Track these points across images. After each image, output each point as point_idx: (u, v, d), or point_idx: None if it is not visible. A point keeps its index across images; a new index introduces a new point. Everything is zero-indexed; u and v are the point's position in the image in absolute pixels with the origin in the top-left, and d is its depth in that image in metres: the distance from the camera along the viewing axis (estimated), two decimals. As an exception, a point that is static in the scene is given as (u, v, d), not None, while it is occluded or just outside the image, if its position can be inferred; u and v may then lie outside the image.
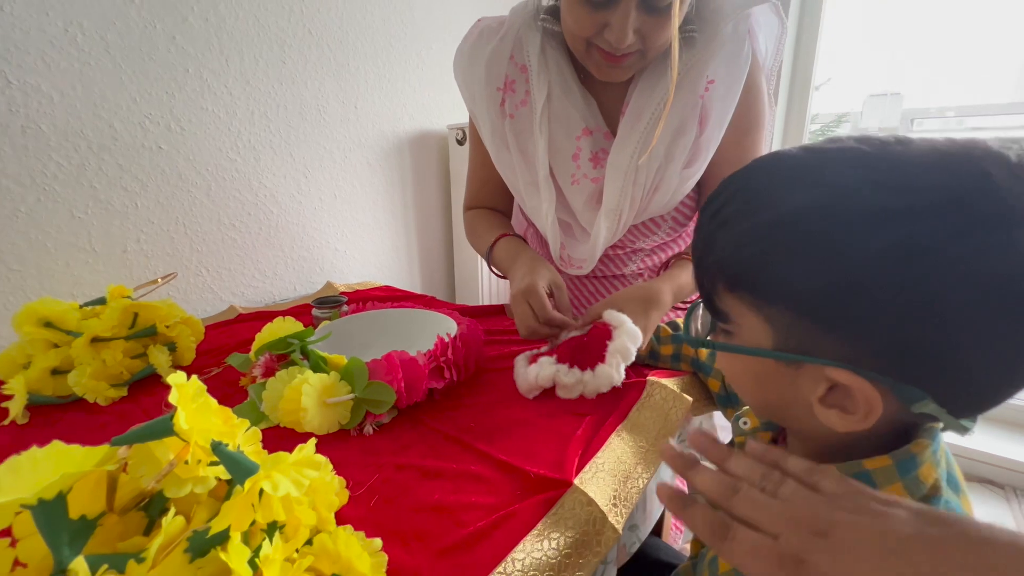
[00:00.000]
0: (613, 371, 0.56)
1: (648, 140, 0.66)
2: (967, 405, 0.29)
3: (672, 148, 0.66)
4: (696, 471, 0.31)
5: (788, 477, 0.29)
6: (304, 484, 0.29)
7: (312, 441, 0.32)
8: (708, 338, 0.39)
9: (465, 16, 1.41)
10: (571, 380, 0.57)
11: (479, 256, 1.41)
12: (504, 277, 0.77)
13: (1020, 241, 0.26)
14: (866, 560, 0.24)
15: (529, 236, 0.90)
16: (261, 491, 0.29)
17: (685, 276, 0.69)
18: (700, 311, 0.40)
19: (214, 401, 0.33)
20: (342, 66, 1.16)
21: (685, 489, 0.33)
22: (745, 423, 0.47)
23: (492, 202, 0.87)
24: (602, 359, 0.57)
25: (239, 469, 0.29)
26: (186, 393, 0.30)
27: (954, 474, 0.35)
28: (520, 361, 0.63)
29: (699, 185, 0.74)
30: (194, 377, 0.32)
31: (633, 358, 0.57)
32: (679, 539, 0.92)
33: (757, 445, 0.32)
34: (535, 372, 0.59)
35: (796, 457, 0.30)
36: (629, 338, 0.57)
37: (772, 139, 0.77)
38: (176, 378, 0.31)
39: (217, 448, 0.30)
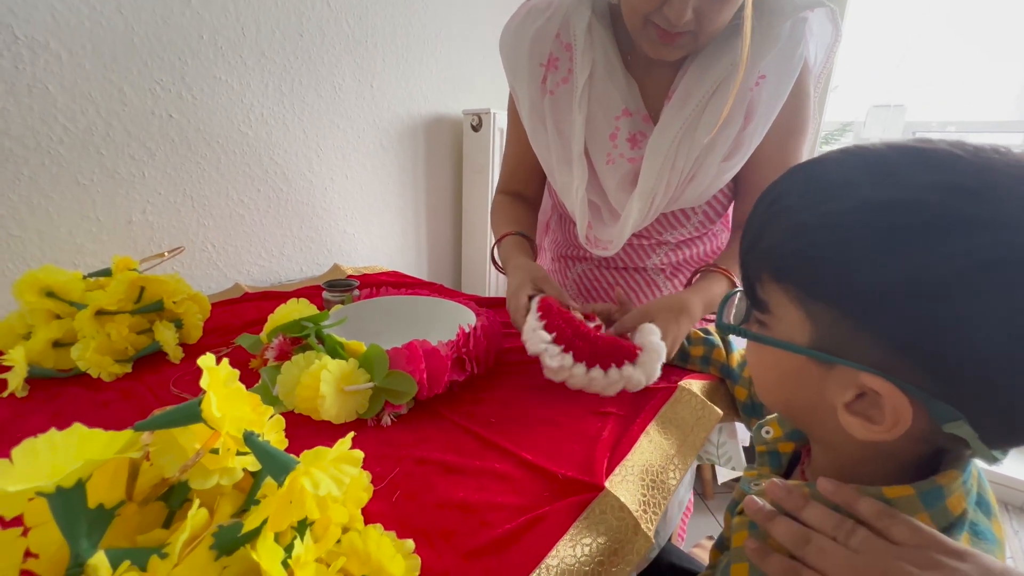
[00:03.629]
0: (641, 375, 0.55)
1: (693, 124, 0.65)
2: (1002, 434, 0.28)
3: (715, 138, 0.65)
4: (775, 523, 0.32)
5: (860, 526, 0.29)
6: (344, 482, 0.27)
7: (350, 435, 0.30)
8: (742, 327, 0.37)
9: (486, -1, 1.38)
10: (584, 380, 0.56)
11: (488, 246, 1.40)
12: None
13: None
14: None
15: (553, 222, 0.89)
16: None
17: (717, 288, 0.68)
18: (736, 299, 0.39)
19: (243, 387, 0.31)
20: (359, 43, 1.12)
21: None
22: (768, 432, 0.46)
23: (524, 185, 0.86)
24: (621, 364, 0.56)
25: (275, 464, 0.27)
26: (218, 378, 0.28)
27: (986, 497, 0.34)
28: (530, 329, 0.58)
29: (736, 182, 0.73)
30: (224, 361, 0.30)
31: (655, 376, 0.56)
32: (682, 545, 0.91)
33: (828, 482, 0.32)
34: (549, 359, 0.56)
35: (870, 499, 0.30)
36: (657, 355, 0.57)
37: (813, 147, 0.75)
38: (206, 360, 0.28)
39: (250, 439, 0.28)
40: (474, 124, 1.33)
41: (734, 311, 0.40)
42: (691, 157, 0.66)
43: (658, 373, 0.55)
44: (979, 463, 0.34)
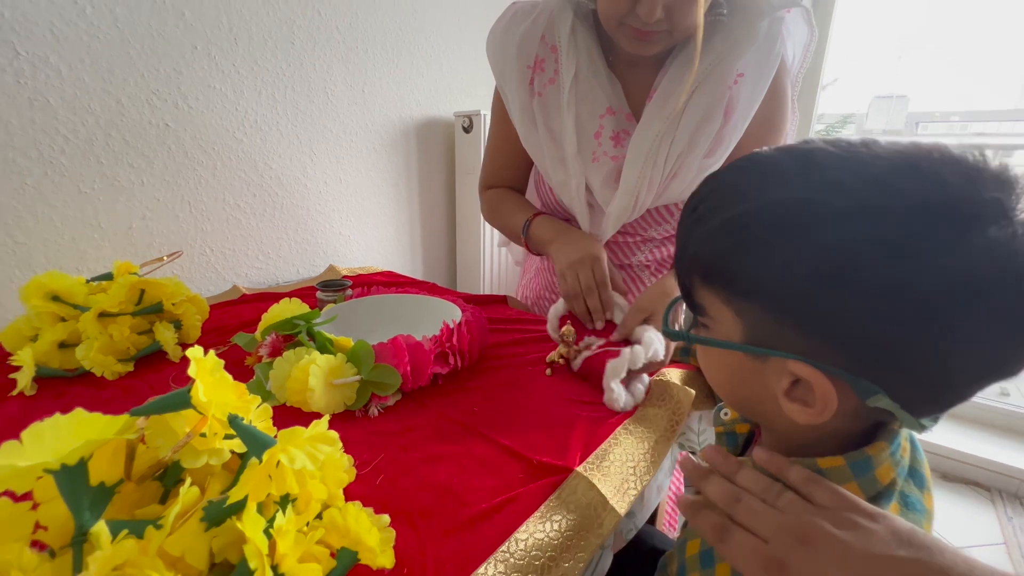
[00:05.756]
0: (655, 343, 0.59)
1: (673, 124, 0.67)
2: (925, 402, 0.30)
3: (696, 135, 0.67)
4: (708, 481, 0.34)
5: (787, 490, 0.31)
6: (319, 458, 0.30)
7: (326, 417, 0.33)
8: (687, 331, 0.40)
9: (474, 2, 1.40)
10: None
11: (481, 245, 1.43)
12: (537, 253, 0.80)
13: (973, 242, 0.26)
14: (837, 570, 0.27)
15: None
16: (276, 464, 0.29)
17: None
18: (681, 306, 0.41)
19: (229, 376, 0.34)
20: (351, 49, 1.15)
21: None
22: (726, 413, 0.48)
23: (512, 181, 0.88)
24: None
25: (256, 442, 0.30)
26: (204, 367, 0.31)
27: (919, 469, 0.36)
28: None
29: None
30: (211, 352, 0.32)
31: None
32: (671, 533, 0.93)
33: (763, 451, 0.34)
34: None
35: (799, 467, 0.33)
36: (658, 340, 0.62)
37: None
38: (194, 352, 0.31)
39: (234, 421, 0.31)
40: (465, 126, 1.36)
41: (682, 317, 0.42)
42: (673, 155, 0.68)
43: (630, 404, 0.58)
44: (915, 434, 0.36)
